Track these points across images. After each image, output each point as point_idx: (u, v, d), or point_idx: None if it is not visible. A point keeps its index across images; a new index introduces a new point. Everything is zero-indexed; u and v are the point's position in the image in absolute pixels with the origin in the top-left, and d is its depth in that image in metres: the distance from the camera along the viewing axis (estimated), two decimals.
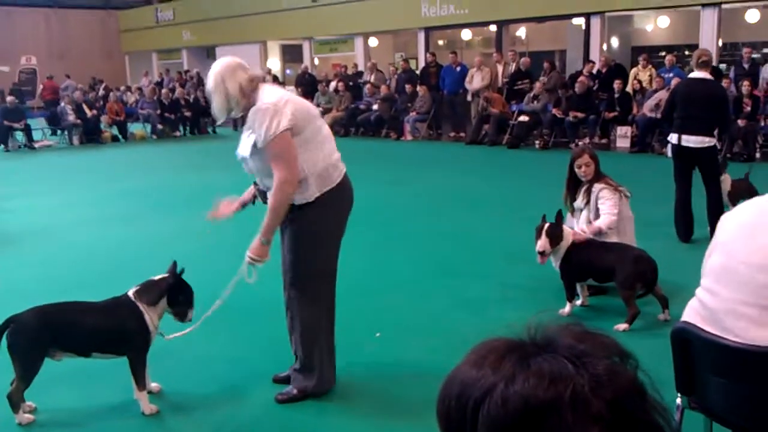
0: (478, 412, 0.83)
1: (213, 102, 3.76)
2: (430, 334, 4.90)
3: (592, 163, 5.41)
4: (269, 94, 3.68)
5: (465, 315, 5.23)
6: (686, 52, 17.08)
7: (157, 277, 3.92)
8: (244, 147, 3.72)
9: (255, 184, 3.97)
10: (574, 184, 5.55)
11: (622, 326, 4.75)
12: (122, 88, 25.21)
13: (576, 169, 5.47)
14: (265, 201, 3.84)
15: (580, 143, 13.43)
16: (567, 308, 5.12)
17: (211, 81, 3.72)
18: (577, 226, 5.46)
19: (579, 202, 5.50)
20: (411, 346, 4.70)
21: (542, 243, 5.09)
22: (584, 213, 5.43)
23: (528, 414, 0.80)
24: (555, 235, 5.09)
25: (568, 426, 0.79)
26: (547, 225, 5.11)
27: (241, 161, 3.83)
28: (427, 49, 20.13)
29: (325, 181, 3.71)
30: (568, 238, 5.15)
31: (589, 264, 5.12)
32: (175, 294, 3.90)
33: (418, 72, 19.10)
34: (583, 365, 0.83)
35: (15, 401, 3.68)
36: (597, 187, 5.37)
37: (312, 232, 3.76)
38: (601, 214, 5.31)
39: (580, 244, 5.15)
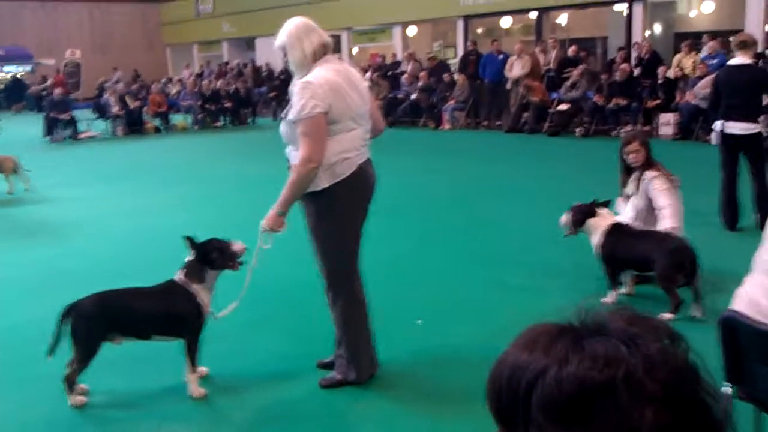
0: (531, 394, 0.84)
1: (290, 57, 3.75)
2: (470, 322, 4.92)
3: (642, 150, 5.31)
4: (320, 73, 3.67)
5: (504, 303, 5.23)
6: (731, 38, 16.71)
7: (189, 257, 4.00)
8: (285, 111, 3.79)
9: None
10: (626, 171, 5.46)
11: (667, 316, 4.71)
12: (164, 80, 25.54)
13: (625, 156, 5.39)
14: None
15: (622, 131, 13.27)
16: (610, 297, 5.07)
17: (286, 37, 3.74)
18: (623, 213, 5.39)
19: (630, 188, 5.41)
20: (451, 334, 4.72)
21: (564, 217, 5.26)
22: (632, 200, 5.35)
23: (583, 395, 0.81)
24: (580, 212, 5.16)
25: (622, 407, 0.80)
26: (577, 203, 5.22)
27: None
28: (466, 38, 20.04)
29: (334, 173, 3.70)
30: (600, 223, 5.11)
31: (628, 253, 5.04)
32: (210, 258, 3.96)
33: (455, 61, 18.99)
34: (636, 347, 0.83)
35: (70, 383, 3.81)
36: (649, 174, 5.25)
37: (324, 224, 3.79)
38: (662, 208, 5.16)
39: (620, 231, 5.08)
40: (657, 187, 5.19)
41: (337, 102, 3.64)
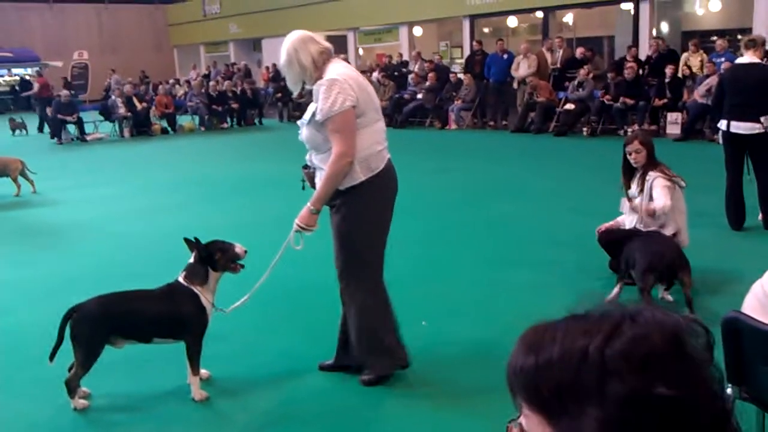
0: (603, 359, 0.83)
1: (287, 74, 3.83)
2: (475, 322, 4.91)
3: (643, 150, 5.24)
4: (338, 69, 3.72)
5: (510, 302, 5.21)
6: (739, 37, 16.63)
7: (191, 259, 4.00)
8: (306, 114, 3.80)
9: (304, 167, 4.02)
10: (629, 171, 5.40)
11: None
12: (171, 81, 25.60)
13: (627, 156, 5.35)
14: (312, 185, 3.89)
15: (629, 130, 13.21)
16: (614, 292, 5.06)
17: (284, 54, 3.79)
18: (627, 215, 5.38)
19: (633, 189, 5.36)
20: (456, 334, 4.70)
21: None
22: (637, 201, 5.32)
23: (668, 339, 0.84)
24: None
25: (695, 350, 0.85)
26: None
27: (299, 126, 3.89)
28: (472, 37, 20.00)
29: (369, 167, 3.74)
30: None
31: (624, 251, 5.05)
32: (213, 259, 3.95)
33: (461, 61, 18.96)
34: (668, 315, 0.88)
35: (72, 387, 3.81)
36: (652, 175, 5.21)
37: (358, 217, 3.79)
38: (655, 198, 5.16)
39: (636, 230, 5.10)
40: (657, 185, 5.15)
41: (362, 95, 3.69)
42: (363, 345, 3.98)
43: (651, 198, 5.21)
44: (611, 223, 5.53)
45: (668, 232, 5.15)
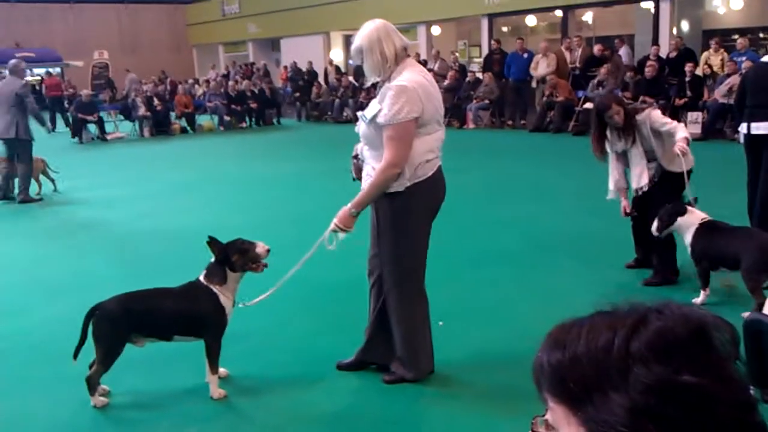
0: (628, 349, 0.84)
1: (366, 61, 3.71)
2: (492, 323, 4.90)
3: (621, 109, 5.33)
4: (412, 75, 3.66)
5: (529, 304, 5.19)
6: (761, 35, 16.48)
7: (212, 259, 4.02)
8: (369, 111, 3.73)
9: (353, 157, 4.02)
10: (602, 134, 5.48)
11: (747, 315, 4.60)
12: (191, 80, 25.74)
13: (608, 120, 5.39)
14: (358, 176, 3.91)
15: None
16: (701, 297, 4.95)
17: (364, 40, 3.69)
18: (634, 168, 5.40)
19: (621, 144, 5.41)
20: (474, 335, 4.69)
21: (654, 224, 5.13)
22: (636, 149, 5.36)
23: (693, 331, 0.85)
24: (669, 213, 5.09)
25: (720, 343, 0.85)
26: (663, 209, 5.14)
27: (359, 119, 3.85)
28: (491, 36, 19.94)
29: (416, 173, 3.71)
30: (690, 221, 5.01)
31: (716, 249, 4.92)
32: (231, 261, 3.96)
33: (480, 60, 18.91)
34: (694, 309, 0.89)
35: (92, 384, 3.84)
36: (642, 116, 5.31)
37: (402, 221, 3.78)
38: (667, 128, 5.26)
39: (711, 228, 4.99)
40: (658, 120, 5.29)
41: (428, 105, 3.65)
42: (402, 347, 3.98)
43: (658, 134, 5.28)
44: (623, 198, 5.55)
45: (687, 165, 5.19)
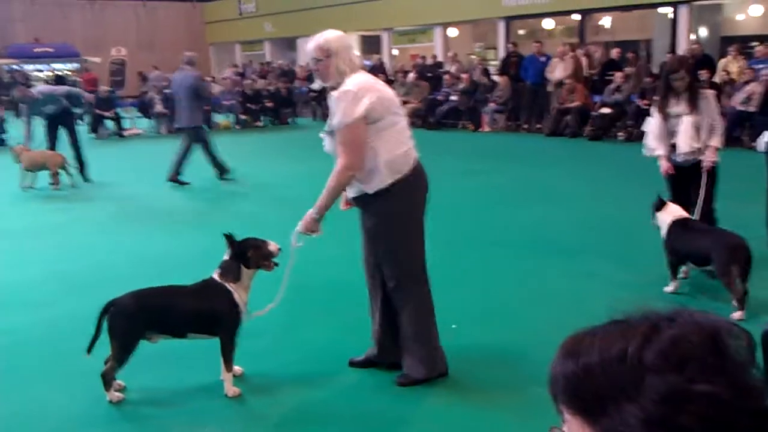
0: (641, 359, 0.84)
1: (332, 61, 3.74)
2: (505, 327, 4.90)
3: (688, 77, 5.63)
4: (355, 80, 3.74)
5: (543, 308, 5.19)
6: None
7: (225, 256, 4.04)
8: (327, 125, 3.84)
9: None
10: (669, 93, 5.71)
11: (737, 315, 4.69)
12: (208, 79, 25.81)
13: (672, 82, 5.64)
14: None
15: None
16: (671, 286, 5.28)
17: (335, 41, 3.76)
18: (680, 134, 5.62)
19: (680, 107, 5.65)
20: (487, 338, 4.69)
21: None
22: (688, 118, 5.59)
23: (706, 339, 0.84)
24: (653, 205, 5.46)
25: (735, 350, 0.84)
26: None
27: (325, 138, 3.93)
28: (507, 39, 19.91)
29: (396, 170, 3.75)
30: (665, 218, 5.32)
31: (687, 245, 5.20)
32: (246, 256, 3.99)
33: (496, 63, 18.88)
34: (707, 317, 0.89)
35: (108, 380, 3.87)
36: (707, 93, 5.75)
37: (390, 221, 3.82)
38: (714, 129, 5.60)
39: (683, 225, 5.27)
40: (714, 107, 5.68)
41: (377, 100, 3.69)
42: (411, 347, 4.00)
43: (706, 112, 5.61)
44: (663, 155, 5.78)
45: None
